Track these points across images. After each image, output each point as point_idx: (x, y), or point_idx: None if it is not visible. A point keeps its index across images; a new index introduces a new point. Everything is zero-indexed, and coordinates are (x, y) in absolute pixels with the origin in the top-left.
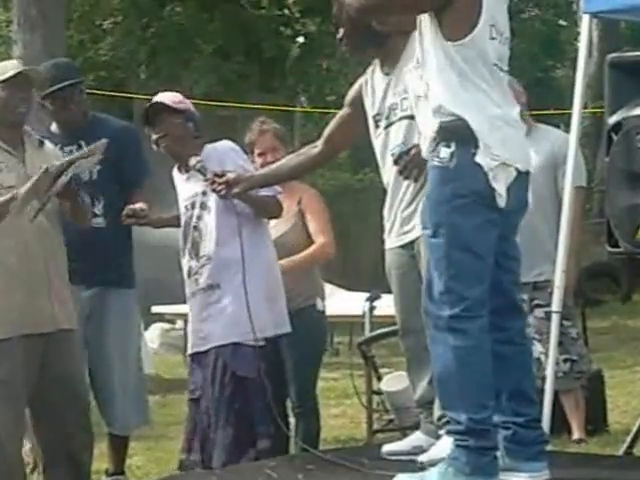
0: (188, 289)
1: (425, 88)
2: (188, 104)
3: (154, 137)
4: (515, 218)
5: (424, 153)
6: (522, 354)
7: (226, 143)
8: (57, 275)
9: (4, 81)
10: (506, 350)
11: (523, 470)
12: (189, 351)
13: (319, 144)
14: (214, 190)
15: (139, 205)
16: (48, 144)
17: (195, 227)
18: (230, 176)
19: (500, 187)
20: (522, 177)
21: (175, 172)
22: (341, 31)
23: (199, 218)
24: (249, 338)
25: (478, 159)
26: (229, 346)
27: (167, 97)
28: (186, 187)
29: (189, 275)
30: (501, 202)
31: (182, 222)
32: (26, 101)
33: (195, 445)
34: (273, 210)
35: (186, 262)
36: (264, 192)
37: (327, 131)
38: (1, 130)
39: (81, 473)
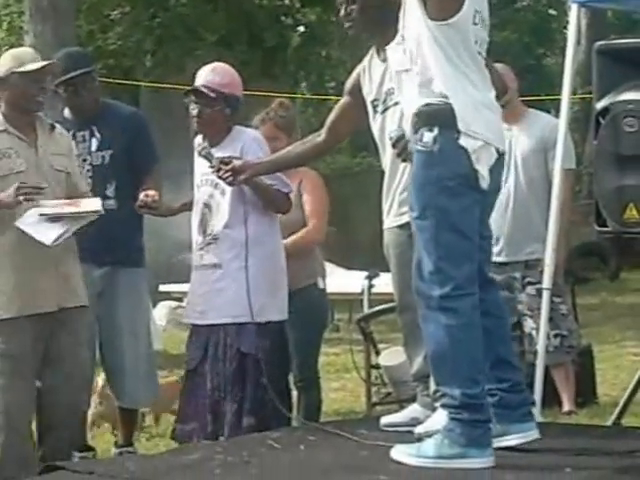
0: (193, 262)
1: (408, 61)
2: (233, 87)
3: (192, 107)
4: (492, 198)
5: (408, 132)
6: (499, 324)
7: (253, 133)
8: (64, 255)
9: (24, 73)
10: (484, 322)
11: (513, 432)
12: (184, 320)
13: (322, 132)
14: (220, 177)
15: (151, 193)
16: (59, 128)
17: (205, 204)
18: (236, 163)
19: (483, 169)
20: (500, 159)
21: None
22: (347, 9)
23: (211, 196)
24: (247, 320)
25: (462, 142)
26: (234, 325)
27: (216, 77)
28: (204, 162)
29: (196, 249)
30: (484, 184)
31: (195, 197)
32: (44, 90)
33: (190, 415)
34: (282, 205)
35: (195, 236)
36: (277, 185)
37: (329, 120)
38: (14, 116)
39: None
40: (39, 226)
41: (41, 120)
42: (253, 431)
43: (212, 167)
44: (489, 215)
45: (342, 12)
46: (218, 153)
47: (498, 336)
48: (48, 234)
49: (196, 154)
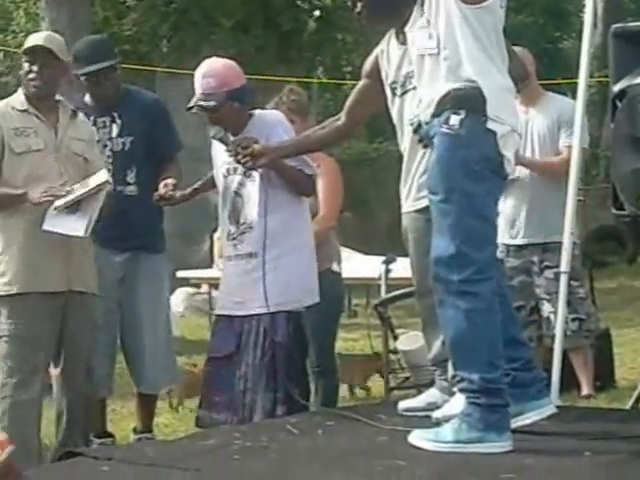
0: (225, 252)
1: (435, 46)
2: (230, 82)
3: (201, 115)
4: (507, 183)
5: (426, 116)
6: (504, 303)
7: (276, 115)
8: (77, 242)
9: (24, 53)
10: None
11: (529, 410)
12: (218, 311)
13: (342, 116)
14: (238, 162)
15: (170, 182)
16: (81, 115)
17: (236, 192)
18: (255, 147)
19: (509, 154)
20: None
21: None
22: (358, 4)
23: (241, 184)
24: (284, 308)
25: (490, 126)
26: (269, 314)
27: (216, 73)
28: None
29: (228, 239)
30: (509, 168)
31: (221, 186)
32: (39, 74)
33: (214, 403)
34: (305, 187)
35: (225, 226)
36: (300, 166)
37: (348, 103)
38: (32, 98)
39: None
40: (63, 221)
41: (64, 105)
42: None
43: (229, 151)
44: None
45: (355, 9)
46: None
47: (506, 314)
48: (76, 226)
49: (214, 142)
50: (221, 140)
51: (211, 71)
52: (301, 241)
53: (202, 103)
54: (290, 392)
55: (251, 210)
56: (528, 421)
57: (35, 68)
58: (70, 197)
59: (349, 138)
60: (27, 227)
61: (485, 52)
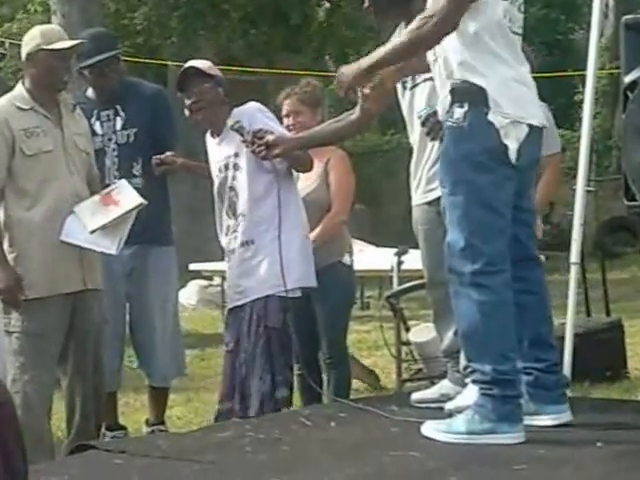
0: (226, 247)
1: (432, 54)
2: (217, 70)
3: (187, 102)
4: (529, 173)
5: (440, 115)
6: (540, 303)
7: (252, 104)
8: None
9: (52, 50)
10: (525, 299)
11: (546, 413)
12: (229, 306)
13: (356, 110)
14: (253, 152)
15: (168, 153)
16: (78, 109)
17: (231, 187)
18: (270, 138)
19: (512, 143)
20: (534, 133)
21: (208, 137)
22: (364, 2)
23: (234, 178)
24: (281, 290)
25: (490, 117)
26: (261, 300)
27: (198, 63)
28: (219, 150)
29: (227, 234)
30: (513, 158)
31: (216, 183)
32: (69, 70)
33: (230, 395)
34: (305, 163)
35: (224, 221)
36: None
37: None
38: (40, 94)
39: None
40: (94, 238)
41: (65, 100)
42: (286, 403)
43: (245, 141)
44: (529, 188)
45: (362, 3)
46: (226, 139)
47: (539, 315)
48: (107, 243)
49: (212, 143)
50: (237, 131)
51: (205, 61)
52: (297, 222)
53: (201, 67)
54: (275, 378)
55: (243, 199)
56: (542, 423)
57: (68, 65)
58: (106, 220)
59: (364, 132)
60: (40, 226)
61: (486, 45)
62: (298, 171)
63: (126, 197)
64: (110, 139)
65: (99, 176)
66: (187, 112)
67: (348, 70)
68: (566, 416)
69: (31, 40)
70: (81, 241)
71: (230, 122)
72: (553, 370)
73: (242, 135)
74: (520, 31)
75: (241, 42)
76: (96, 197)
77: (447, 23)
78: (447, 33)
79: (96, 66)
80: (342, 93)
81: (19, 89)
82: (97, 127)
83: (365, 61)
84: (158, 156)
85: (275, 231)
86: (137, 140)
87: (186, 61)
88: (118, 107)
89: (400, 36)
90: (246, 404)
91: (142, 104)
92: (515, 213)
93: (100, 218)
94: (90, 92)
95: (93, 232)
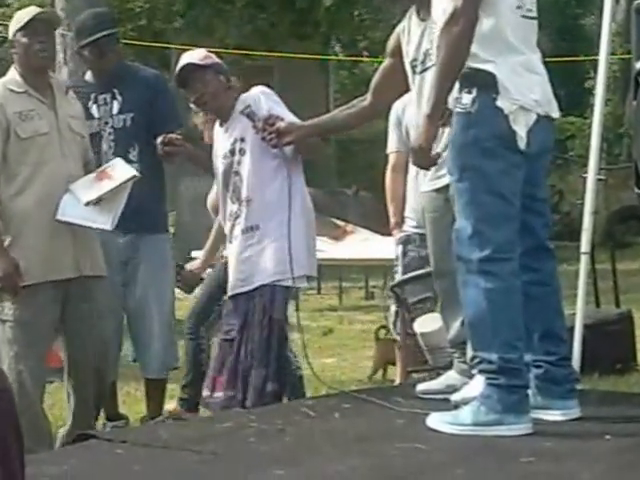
0: (228, 233)
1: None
2: (214, 57)
3: (192, 98)
4: (540, 161)
5: (449, 100)
6: (553, 295)
7: (256, 89)
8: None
9: (22, 28)
10: (537, 291)
11: (556, 407)
12: (229, 293)
13: (367, 96)
14: (263, 138)
15: (174, 135)
16: (70, 92)
17: (236, 172)
18: (281, 125)
19: (520, 129)
20: (544, 121)
21: (216, 128)
22: None
23: (239, 163)
24: (288, 277)
25: (498, 103)
26: (268, 288)
27: (193, 57)
28: (225, 136)
29: (230, 219)
30: (522, 144)
31: (221, 170)
32: (46, 44)
33: (233, 384)
34: (317, 151)
35: (228, 207)
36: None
37: (373, 83)
38: (30, 76)
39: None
40: (89, 214)
41: (57, 82)
42: (276, 397)
43: (255, 127)
44: (542, 177)
45: None
46: (233, 124)
47: (551, 308)
48: (103, 219)
49: (219, 132)
50: (248, 116)
51: (190, 53)
52: (302, 210)
53: (197, 61)
54: (282, 369)
55: (248, 184)
56: (550, 418)
57: (42, 39)
58: (100, 193)
59: (375, 119)
60: (33, 210)
61: (495, 31)
62: (309, 158)
63: (120, 171)
64: (107, 123)
65: (96, 160)
66: (194, 107)
67: (420, 141)
68: (575, 412)
69: (11, 27)
70: (77, 218)
71: (240, 106)
72: (563, 364)
73: (253, 121)
74: (532, 14)
75: (248, 27)
76: (91, 175)
77: (470, 17)
78: (475, 25)
79: (96, 45)
80: (427, 165)
81: (12, 73)
82: (94, 110)
83: (425, 113)
84: (168, 135)
85: (284, 215)
86: (134, 125)
87: (190, 45)
88: (115, 91)
89: (436, 64)
90: (245, 395)
91: (140, 89)
92: (528, 202)
93: (95, 191)
94: (88, 75)
95: (88, 204)
